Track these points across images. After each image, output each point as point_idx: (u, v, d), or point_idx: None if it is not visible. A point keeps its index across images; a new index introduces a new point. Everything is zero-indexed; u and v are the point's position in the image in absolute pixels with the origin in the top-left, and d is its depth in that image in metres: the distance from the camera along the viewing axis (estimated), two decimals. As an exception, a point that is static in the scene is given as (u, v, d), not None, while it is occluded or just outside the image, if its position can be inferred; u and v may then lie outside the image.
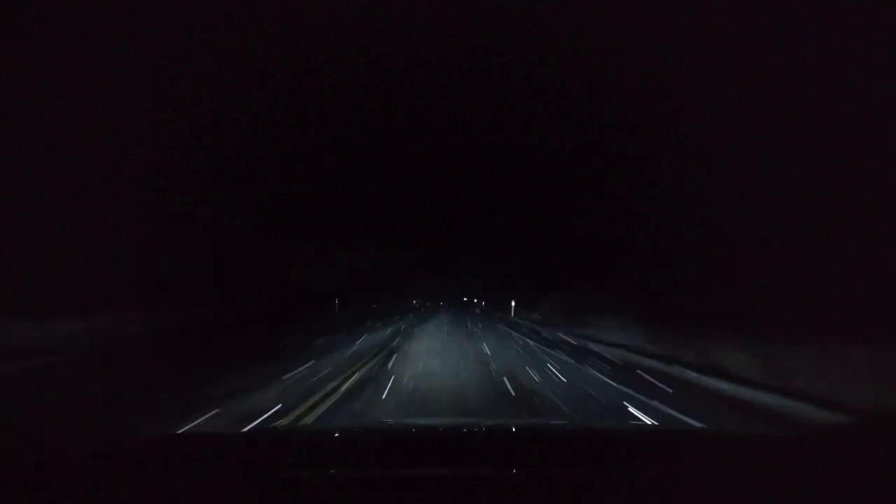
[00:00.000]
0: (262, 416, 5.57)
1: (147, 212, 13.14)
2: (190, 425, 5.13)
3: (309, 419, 5.73)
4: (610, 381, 9.04)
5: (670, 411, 6.64)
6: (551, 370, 10.26)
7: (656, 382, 9.07)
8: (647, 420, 6.10)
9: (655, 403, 7.09)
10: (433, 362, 11.04)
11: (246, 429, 3.96)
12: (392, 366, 10.47)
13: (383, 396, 7.25)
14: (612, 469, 1.21)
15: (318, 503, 1.00)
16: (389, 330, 20.90)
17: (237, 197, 17.90)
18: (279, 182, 20.57)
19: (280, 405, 6.22)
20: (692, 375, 9.74)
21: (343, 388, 7.73)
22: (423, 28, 14.36)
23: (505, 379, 8.96)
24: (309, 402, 6.60)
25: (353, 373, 9.28)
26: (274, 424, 4.61)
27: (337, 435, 1.65)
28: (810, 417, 6.28)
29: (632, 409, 6.72)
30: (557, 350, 14.24)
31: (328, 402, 6.67)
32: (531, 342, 16.62)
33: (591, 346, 15.31)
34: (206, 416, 5.59)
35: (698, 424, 5.37)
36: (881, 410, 4.29)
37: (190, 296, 14.46)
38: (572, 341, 16.91)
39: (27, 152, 10.25)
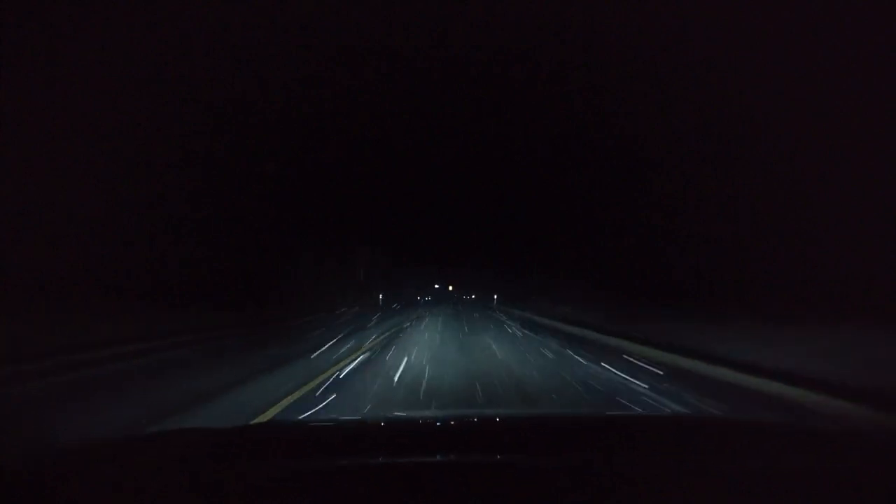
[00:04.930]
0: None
1: (145, 212, 13.00)
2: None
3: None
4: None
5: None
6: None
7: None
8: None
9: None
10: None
11: (251, 423, 3.82)
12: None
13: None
14: (623, 457, 1.19)
15: (327, 495, 0.99)
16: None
17: (235, 196, 17.77)
18: (276, 182, 20.47)
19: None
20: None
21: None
22: (424, 29, 14.39)
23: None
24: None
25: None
26: (278, 419, 4.44)
27: (342, 427, 1.64)
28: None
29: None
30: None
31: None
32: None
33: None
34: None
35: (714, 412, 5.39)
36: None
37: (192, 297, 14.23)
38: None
39: (26, 152, 10.14)
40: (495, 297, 44.93)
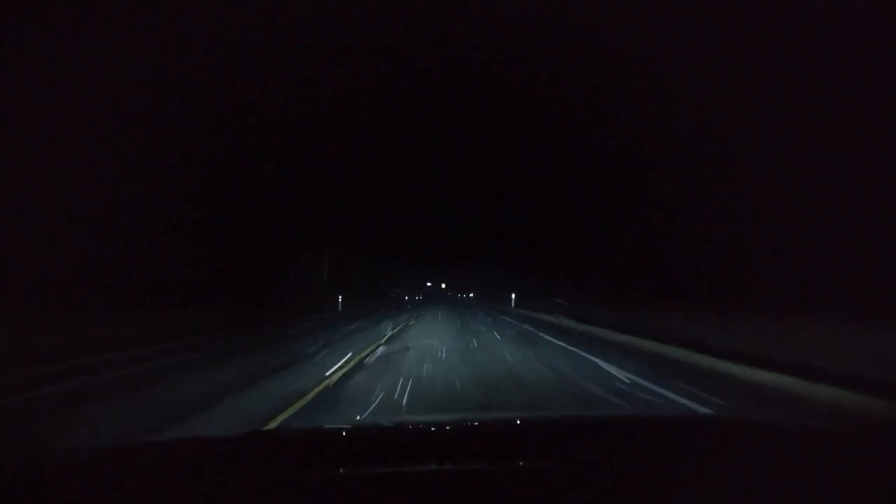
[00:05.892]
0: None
1: (144, 213, 13.00)
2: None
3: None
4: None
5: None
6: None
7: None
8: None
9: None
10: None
11: (247, 430, 3.78)
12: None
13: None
14: (623, 457, 1.19)
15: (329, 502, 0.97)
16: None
17: (235, 196, 17.77)
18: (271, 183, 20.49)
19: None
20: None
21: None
22: (424, 29, 14.42)
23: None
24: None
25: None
26: (276, 426, 4.37)
27: (342, 434, 1.63)
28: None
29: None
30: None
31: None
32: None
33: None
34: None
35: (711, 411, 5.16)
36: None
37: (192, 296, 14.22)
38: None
39: (26, 152, 10.13)
40: (513, 296, 32.70)
